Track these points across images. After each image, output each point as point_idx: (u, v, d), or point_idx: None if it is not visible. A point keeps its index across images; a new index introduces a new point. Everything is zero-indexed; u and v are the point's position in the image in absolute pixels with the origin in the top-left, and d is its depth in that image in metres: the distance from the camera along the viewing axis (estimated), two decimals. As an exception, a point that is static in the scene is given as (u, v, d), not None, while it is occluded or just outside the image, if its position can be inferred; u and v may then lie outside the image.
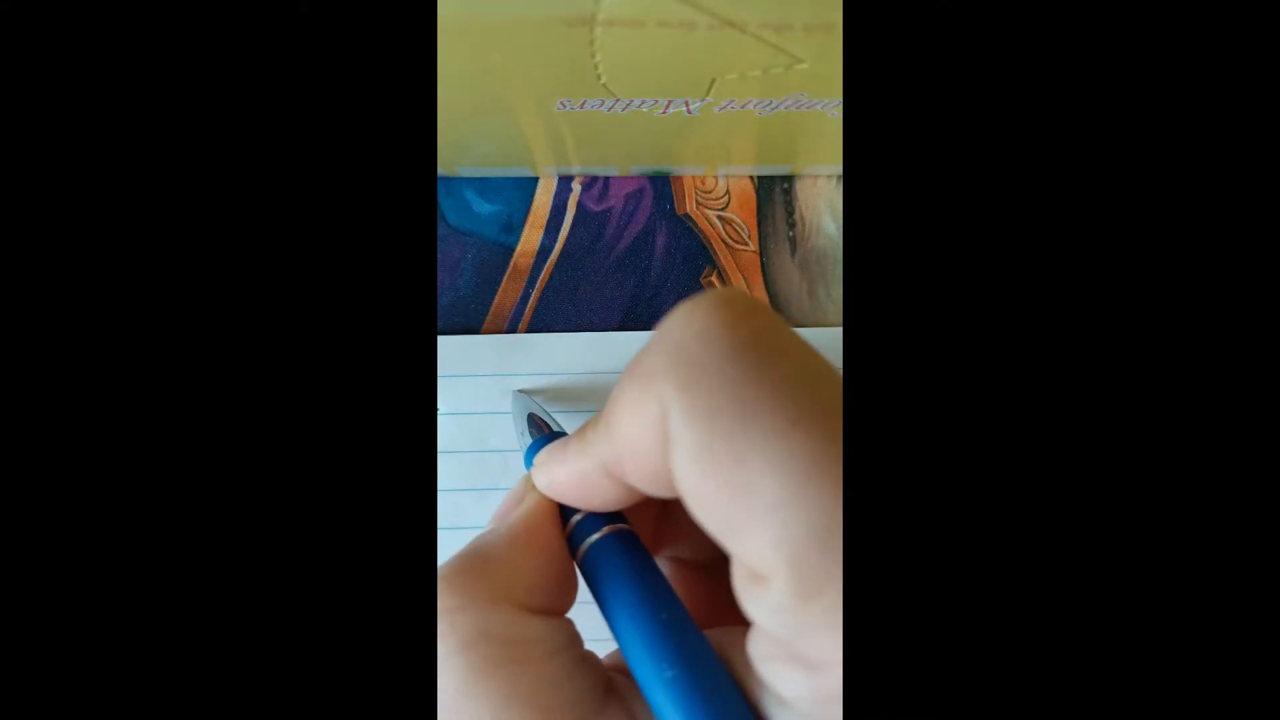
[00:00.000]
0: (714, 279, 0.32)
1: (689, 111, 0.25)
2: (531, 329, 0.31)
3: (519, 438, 0.25)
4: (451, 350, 0.30)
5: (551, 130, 0.27)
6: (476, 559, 0.17)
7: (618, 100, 0.24)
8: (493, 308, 0.31)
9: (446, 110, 0.25)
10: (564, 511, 0.18)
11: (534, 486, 0.18)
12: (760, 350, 0.14)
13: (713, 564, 0.20)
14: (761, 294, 0.32)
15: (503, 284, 0.32)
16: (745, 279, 0.32)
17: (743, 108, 0.25)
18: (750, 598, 0.14)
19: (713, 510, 0.14)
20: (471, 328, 0.31)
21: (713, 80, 0.23)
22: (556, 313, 0.31)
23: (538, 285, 0.32)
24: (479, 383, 0.30)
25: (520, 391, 0.28)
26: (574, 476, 0.17)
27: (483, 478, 0.30)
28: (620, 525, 0.18)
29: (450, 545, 0.30)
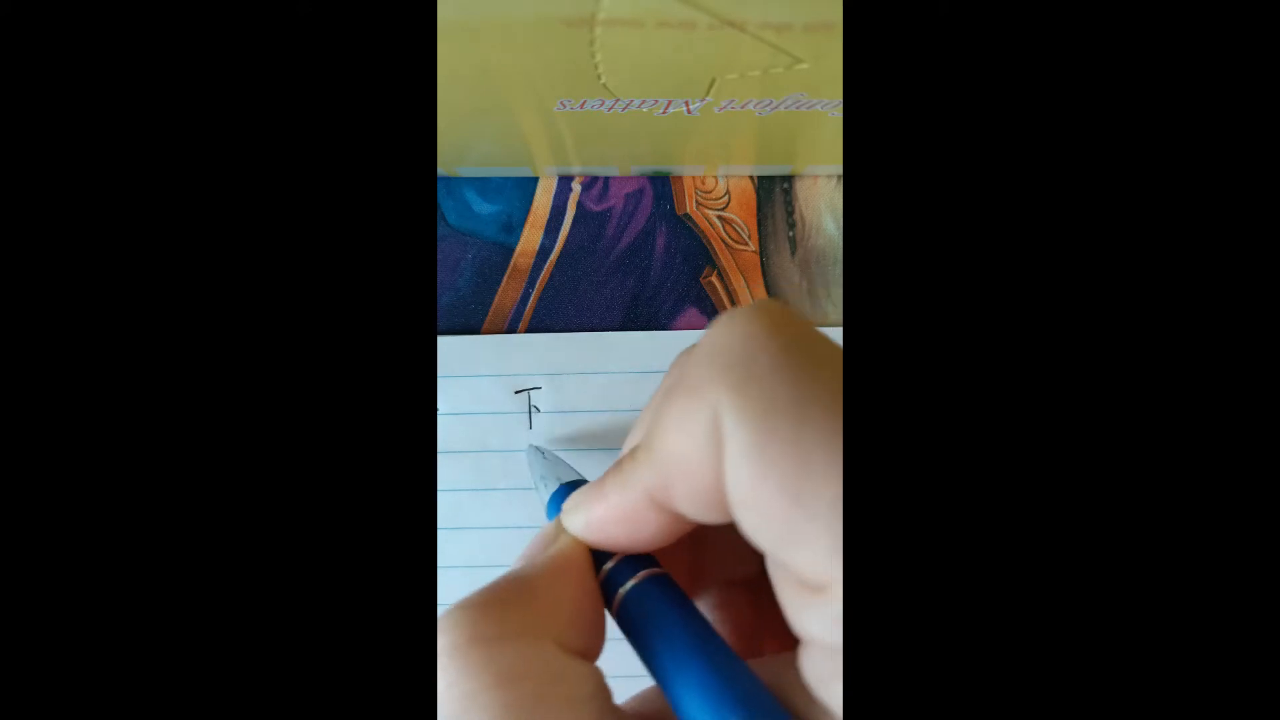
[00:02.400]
0: (714, 279, 0.32)
1: (689, 111, 0.25)
2: (531, 329, 0.31)
3: (538, 490, 0.24)
4: (451, 350, 0.30)
5: (551, 130, 0.27)
6: (515, 588, 0.16)
7: (618, 100, 0.24)
8: (493, 308, 0.31)
9: (446, 110, 0.25)
10: (596, 559, 0.17)
11: (564, 531, 0.18)
12: (807, 351, 0.14)
13: (741, 600, 0.20)
14: (761, 294, 0.32)
15: (503, 284, 0.32)
16: (745, 279, 0.32)
17: (743, 108, 0.25)
18: (804, 611, 0.13)
19: (767, 519, 0.13)
20: (471, 328, 0.31)
21: (713, 80, 0.23)
22: (556, 313, 0.31)
23: (538, 285, 0.32)
24: (479, 383, 0.30)
25: (535, 447, 0.28)
26: (615, 512, 0.16)
27: (483, 478, 0.30)
28: (657, 570, 0.17)
29: (450, 545, 0.30)
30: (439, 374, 0.30)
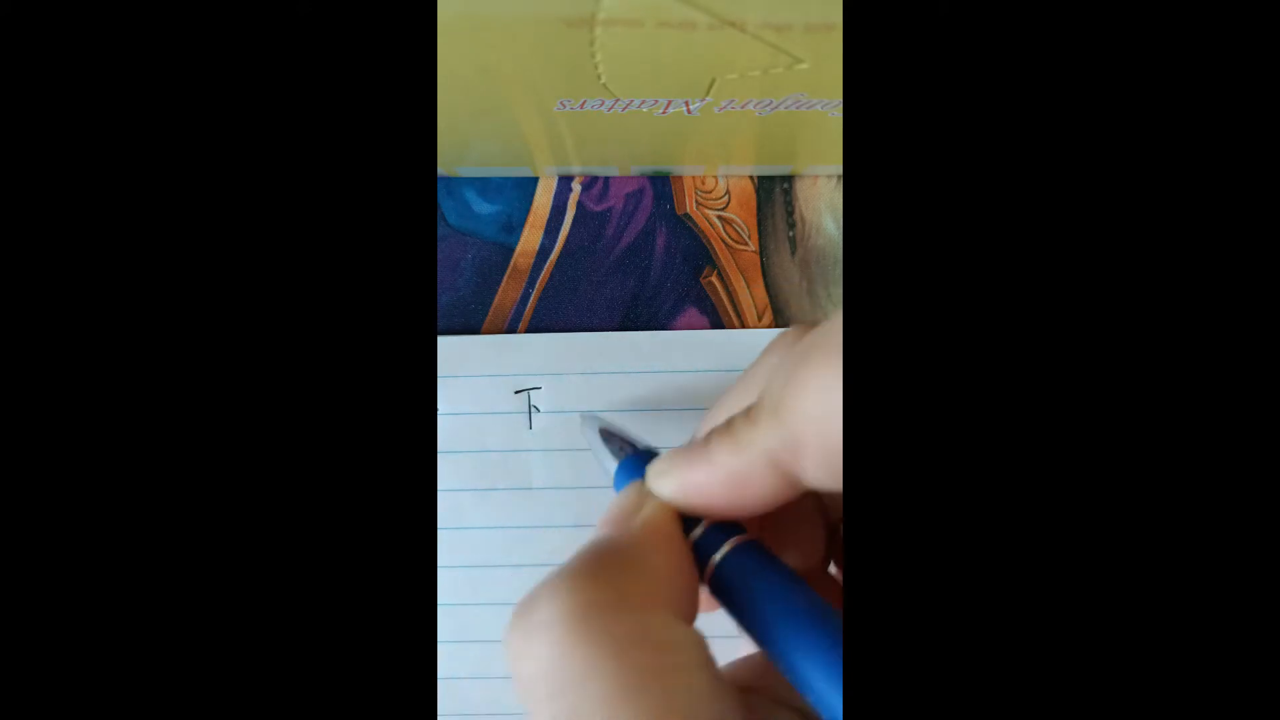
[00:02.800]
0: (714, 279, 0.32)
1: (689, 111, 0.25)
2: (531, 329, 0.31)
3: (601, 461, 0.23)
4: (451, 350, 0.30)
5: (551, 130, 0.27)
6: (614, 554, 0.15)
7: (618, 100, 0.24)
8: (493, 308, 0.31)
9: (446, 110, 0.25)
10: (684, 525, 0.17)
11: (649, 497, 0.17)
12: None
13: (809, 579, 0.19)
14: (761, 294, 0.32)
15: (503, 284, 0.32)
16: (745, 279, 0.32)
17: (743, 108, 0.25)
18: None
19: None
20: (471, 328, 0.31)
21: (713, 80, 0.23)
22: (556, 313, 0.31)
23: (538, 285, 0.32)
24: (479, 383, 0.30)
25: (592, 417, 0.27)
26: (724, 476, 0.16)
27: (483, 478, 0.30)
28: (747, 535, 0.16)
29: (450, 545, 0.30)
30: (439, 374, 0.30)
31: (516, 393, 0.30)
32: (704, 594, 0.17)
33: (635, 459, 0.21)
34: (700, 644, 0.14)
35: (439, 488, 0.30)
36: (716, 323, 0.31)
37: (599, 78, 0.23)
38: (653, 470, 0.17)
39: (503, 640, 0.14)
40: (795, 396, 0.15)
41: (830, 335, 0.14)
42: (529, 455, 0.30)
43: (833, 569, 0.20)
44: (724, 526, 0.17)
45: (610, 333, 0.31)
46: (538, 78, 0.23)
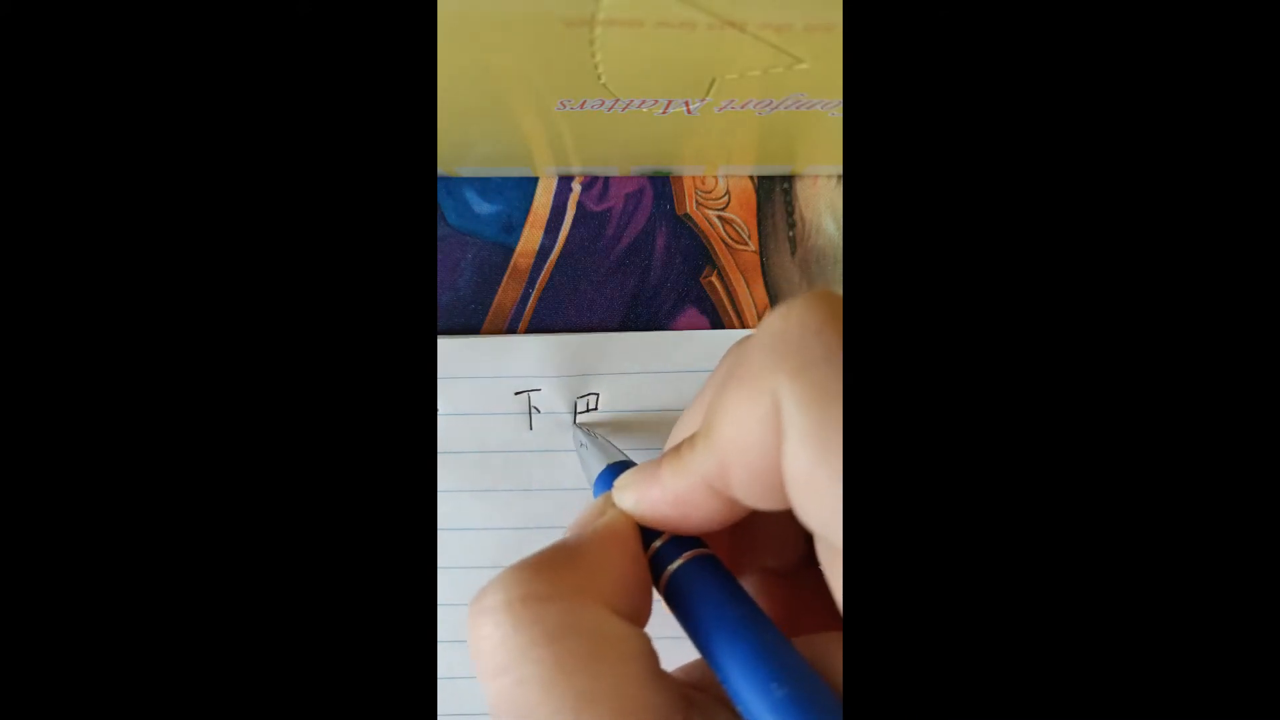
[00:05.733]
0: (714, 279, 0.32)
1: (689, 111, 0.25)
2: (531, 329, 0.31)
3: (584, 467, 0.25)
4: (451, 351, 0.30)
5: (551, 130, 0.27)
6: (564, 552, 0.16)
7: (618, 100, 0.24)
8: (493, 308, 0.31)
9: (446, 110, 0.25)
10: (644, 537, 0.18)
11: (613, 506, 0.18)
12: None
13: (778, 587, 0.20)
14: (761, 294, 0.32)
15: (503, 284, 0.32)
16: (745, 279, 0.32)
17: (743, 108, 0.25)
18: None
19: (823, 502, 0.14)
20: (471, 328, 0.31)
21: (713, 80, 0.23)
22: (556, 313, 0.31)
23: (538, 285, 0.32)
24: (479, 383, 0.30)
25: (580, 425, 0.29)
26: (670, 496, 0.17)
27: (483, 478, 0.30)
28: (703, 549, 0.17)
29: (450, 545, 0.30)
30: (439, 375, 0.30)
31: (517, 393, 0.30)
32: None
33: (611, 470, 0.22)
34: (637, 638, 0.16)
35: (439, 488, 0.30)
36: (716, 323, 0.31)
37: (599, 78, 0.23)
38: (617, 484, 0.18)
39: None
40: (717, 423, 0.15)
41: (745, 357, 0.15)
42: (529, 456, 0.30)
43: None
44: (684, 540, 0.18)
45: (610, 333, 0.31)
46: (538, 78, 0.23)
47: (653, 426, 0.30)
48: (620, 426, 0.30)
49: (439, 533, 0.30)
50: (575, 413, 0.30)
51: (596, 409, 0.30)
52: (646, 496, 0.17)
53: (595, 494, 0.23)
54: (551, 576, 0.15)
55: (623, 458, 0.24)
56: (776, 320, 0.15)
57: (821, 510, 0.14)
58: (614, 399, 0.30)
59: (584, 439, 0.27)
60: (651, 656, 0.16)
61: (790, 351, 0.14)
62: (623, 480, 0.18)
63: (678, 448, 0.17)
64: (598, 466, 0.24)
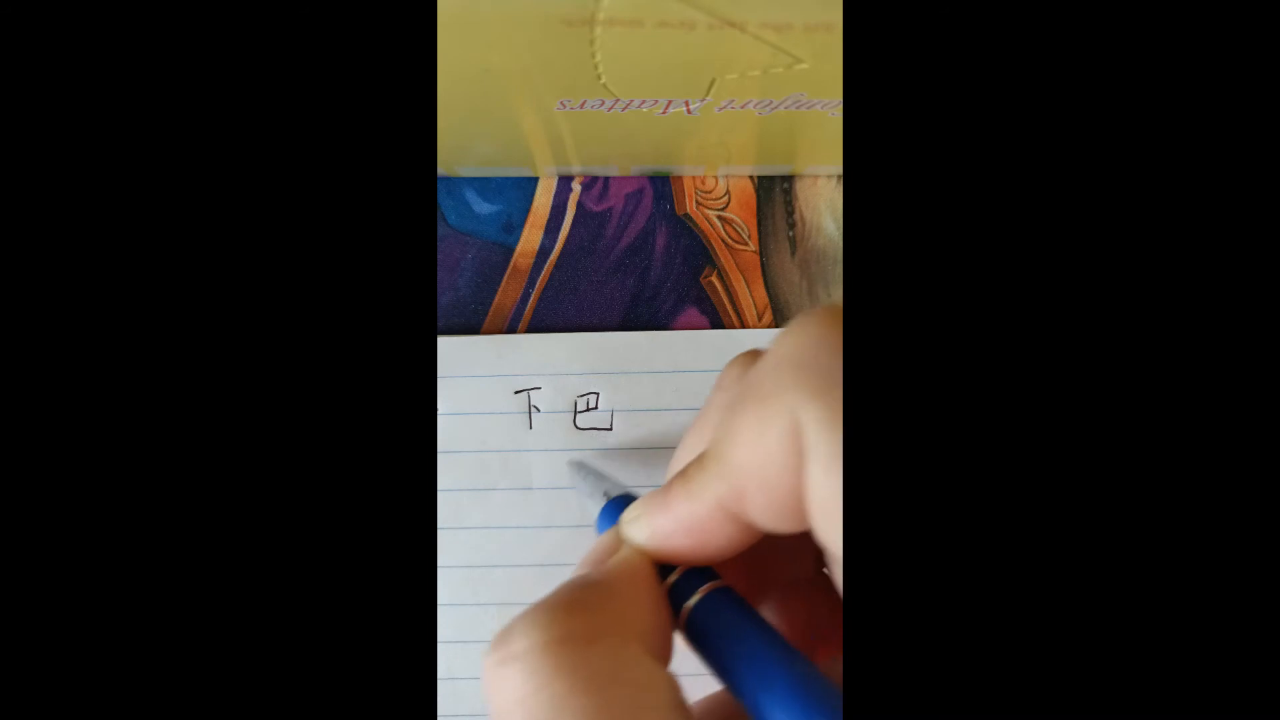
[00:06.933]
0: (714, 279, 0.32)
1: (689, 111, 0.25)
2: (531, 329, 0.31)
3: (587, 504, 0.24)
4: (451, 350, 0.30)
5: (551, 130, 0.27)
6: (592, 590, 0.15)
7: (618, 100, 0.24)
8: (493, 308, 0.31)
9: (446, 110, 0.25)
10: (661, 571, 0.17)
11: (624, 542, 0.17)
12: None
13: (794, 607, 0.19)
14: (761, 294, 0.32)
15: (503, 284, 0.32)
16: (745, 279, 0.32)
17: (743, 108, 0.25)
18: None
19: None
20: (471, 328, 0.31)
21: (713, 80, 0.23)
22: (556, 313, 0.31)
23: (538, 285, 0.32)
24: (479, 383, 0.30)
25: (577, 462, 0.28)
26: (684, 523, 0.16)
27: (483, 478, 0.30)
28: (720, 581, 0.17)
29: (450, 546, 0.30)
30: (439, 374, 0.30)
31: (516, 393, 0.30)
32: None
33: (615, 504, 0.21)
34: (673, 685, 0.14)
35: (439, 488, 0.30)
36: (716, 323, 0.31)
37: (599, 78, 0.23)
38: (625, 517, 0.17)
39: (482, 672, 0.14)
40: (731, 445, 0.15)
41: (758, 376, 0.14)
42: (529, 455, 0.30)
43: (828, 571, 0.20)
44: (698, 572, 0.17)
45: (610, 333, 0.31)
46: (538, 78, 0.23)
47: (652, 427, 0.30)
48: (620, 426, 0.30)
49: (439, 533, 0.30)
50: (575, 413, 0.30)
51: (597, 408, 0.30)
52: (660, 527, 0.16)
53: (600, 530, 0.22)
54: (586, 618, 0.14)
55: (622, 491, 0.23)
56: (792, 337, 0.14)
57: None
58: (614, 399, 0.30)
59: (580, 476, 0.26)
60: (685, 704, 0.14)
61: (809, 370, 0.13)
62: (630, 513, 0.17)
63: (685, 472, 0.16)
64: (598, 503, 0.23)
